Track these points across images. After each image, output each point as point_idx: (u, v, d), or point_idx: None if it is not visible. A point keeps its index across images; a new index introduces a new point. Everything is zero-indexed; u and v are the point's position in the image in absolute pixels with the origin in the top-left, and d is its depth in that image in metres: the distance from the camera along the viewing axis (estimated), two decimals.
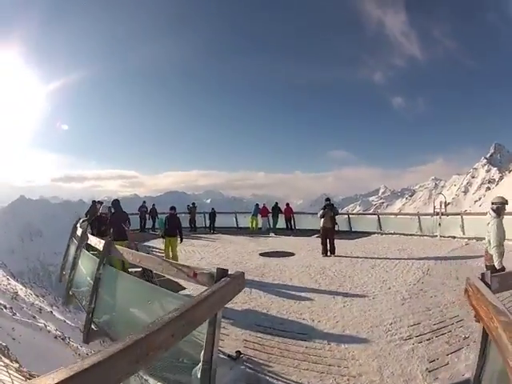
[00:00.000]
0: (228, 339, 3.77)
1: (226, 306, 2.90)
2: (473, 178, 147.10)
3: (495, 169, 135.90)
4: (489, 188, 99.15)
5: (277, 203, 14.84)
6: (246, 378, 3.02)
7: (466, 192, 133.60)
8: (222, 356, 3.22)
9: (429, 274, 6.02)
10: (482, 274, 2.20)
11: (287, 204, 14.72)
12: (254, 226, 14.42)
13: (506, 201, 4.08)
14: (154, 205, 15.11)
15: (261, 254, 8.65)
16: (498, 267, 3.78)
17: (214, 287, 2.28)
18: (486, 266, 4.07)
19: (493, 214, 4.00)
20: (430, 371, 2.90)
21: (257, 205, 14.89)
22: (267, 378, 2.98)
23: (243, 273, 2.62)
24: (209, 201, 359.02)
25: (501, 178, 75.37)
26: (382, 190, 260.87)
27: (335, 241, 8.22)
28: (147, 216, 14.51)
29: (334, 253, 8.08)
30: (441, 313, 4.19)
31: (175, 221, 7.69)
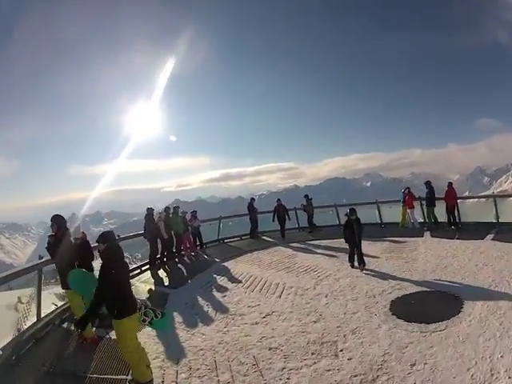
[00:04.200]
0: None
1: None
2: None
3: None
4: None
5: (429, 182, 10.35)
6: None
7: None
8: None
9: None
10: None
11: (449, 184, 9.92)
12: (403, 221, 10.41)
13: None
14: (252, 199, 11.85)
15: (391, 307, 4.59)
16: None
17: None
18: None
19: None
20: None
21: (407, 188, 10.67)
22: None
23: None
24: (369, 184, 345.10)
25: None
26: None
27: None
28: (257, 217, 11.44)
29: None
30: None
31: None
